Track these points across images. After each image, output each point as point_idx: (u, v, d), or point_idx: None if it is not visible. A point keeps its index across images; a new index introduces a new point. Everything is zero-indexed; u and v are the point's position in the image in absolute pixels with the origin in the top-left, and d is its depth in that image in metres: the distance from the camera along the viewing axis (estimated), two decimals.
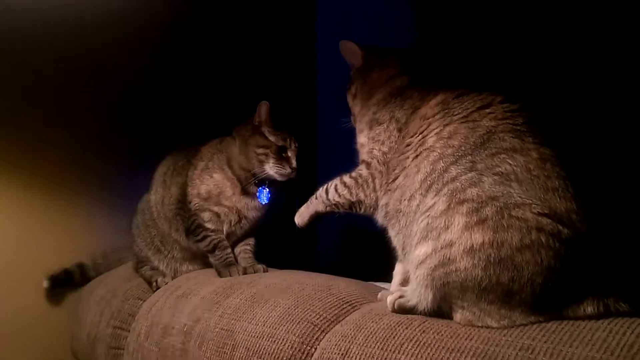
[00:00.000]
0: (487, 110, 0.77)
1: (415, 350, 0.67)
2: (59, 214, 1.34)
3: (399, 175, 0.82)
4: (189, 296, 1.01)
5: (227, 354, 0.85)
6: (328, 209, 0.93)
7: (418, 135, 0.81)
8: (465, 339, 0.66)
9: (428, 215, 0.72)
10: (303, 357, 0.79)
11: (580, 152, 0.80)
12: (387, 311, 0.78)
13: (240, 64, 1.64)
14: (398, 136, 0.86)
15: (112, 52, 1.40)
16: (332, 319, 0.83)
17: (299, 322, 0.82)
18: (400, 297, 0.77)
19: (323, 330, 0.81)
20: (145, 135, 1.44)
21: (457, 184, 0.71)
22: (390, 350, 0.69)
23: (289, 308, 0.86)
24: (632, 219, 1.03)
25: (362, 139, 0.92)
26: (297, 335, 0.81)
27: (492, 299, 0.66)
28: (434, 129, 0.79)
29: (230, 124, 1.22)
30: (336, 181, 0.92)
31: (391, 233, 0.84)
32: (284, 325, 0.82)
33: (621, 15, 1.15)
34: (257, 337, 0.83)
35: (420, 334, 0.70)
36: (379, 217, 0.87)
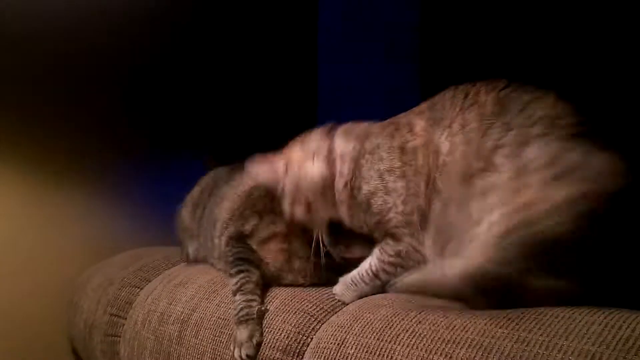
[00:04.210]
0: (475, 91, 0.74)
1: (411, 341, 0.68)
2: (70, 213, 1.34)
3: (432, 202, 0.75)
4: (186, 285, 1.01)
5: (223, 343, 0.85)
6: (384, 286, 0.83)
7: (427, 159, 0.76)
8: (461, 330, 0.66)
9: (485, 193, 0.67)
10: (299, 347, 0.79)
11: None
12: (384, 302, 0.78)
13: (242, 59, 1.63)
14: (404, 183, 0.78)
15: (119, 54, 1.39)
16: (328, 310, 0.83)
17: (295, 312, 0.83)
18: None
19: (319, 321, 0.81)
20: (161, 134, 1.43)
21: (507, 149, 0.67)
22: (386, 341, 0.69)
23: (285, 298, 0.86)
24: None
25: (367, 221, 0.82)
26: (293, 325, 0.81)
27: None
28: (440, 138, 0.75)
29: (236, 121, 1.22)
30: (378, 264, 0.82)
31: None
32: (280, 316, 0.82)
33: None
34: None
35: (417, 325, 0.70)
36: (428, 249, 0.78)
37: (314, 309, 0.83)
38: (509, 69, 1.24)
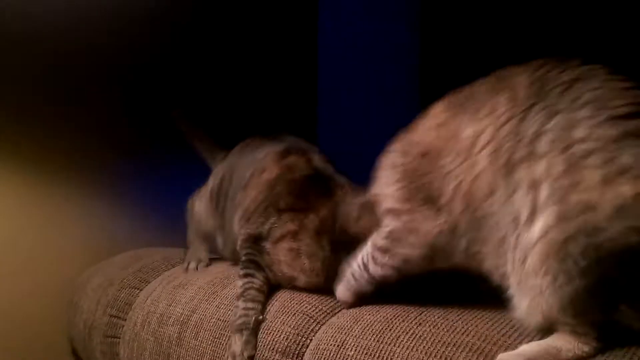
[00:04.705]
0: (506, 76, 0.65)
1: (410, 343, 0.67)
2: (70, 214, 1.34)
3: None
4: (185, 286, 1.01)
5: (223, 344, 0.85)
6: (373, 287, 0.76)
7: (454, 142, 0.66)
8: (462, 334, 0.66)
9: (527, 184, 0.58)
10: (298, 349, 0.78)
11: None
12: (384, 303, 0.77)
13: (243, 59, 1.63)
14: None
15: (119, 54, 1.39)
16: (327, 311, 0.83)
17: (294, 313, 0.82)
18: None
19: (319, 322, 0.81)
20: (162, 135, 1.43)
21: (550, 134, 0.58)
22: (386, 343, 0.69)
23: (284, 300, 0.85)
24: None
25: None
26: (292, 327, 0.80)
27: None
28: (463, 121, 0.65)
29: (236, 117, 1.22)
30: (370, 252, 0.74)
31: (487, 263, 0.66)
32: (279, 317, 0.82)
33: None
34: None
35: (417, 327, 0.69)
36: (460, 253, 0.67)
37: (313, 311, 0.82)
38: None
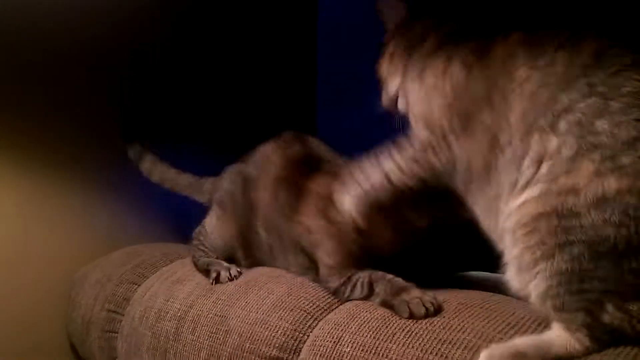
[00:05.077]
0: (579, 37, 0.63)
1: (406, 339, 0.67)
2: (69, 210, 1.34)
3: (480, 121, 0.66)
4: (183, 282, 1.01)
5: (219, 339, 0.85)
6: (391, 197, 0.74)
7: (499, 76, 0.65)
8: (458, 331, 0.66)
9: (533, 157, 0.60)
10: (295, 344, 0.79)
11: None
12: None
13: (239, 52, 1.63)
14: (464, 77, 0.68)
15: (116, 49, 1.38)
16: (325, 307, 0.83)
17: (292, 309, 0.82)
18: None
19: (316, 318, 0.81)
20: (160, 130, 1.43)
21: (578, 115, 0.58)
22: (382, 340, 0.69)
23: (282, 295, 0.85)
24: None
25: (412, 97, 0.75)
26: (289, 322, 0.81)
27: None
28: (521, 63, 0.64)
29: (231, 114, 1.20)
30: (395, 160, 0.72)
31: (475, 203, 0.69)
32: (277, 313, 0.82)
33: None
34: (250, 323, 0.83)
35: (412, 324, 0.70)
36: (459, 182, 0.70)
37: (310, 307, 0.83)
38: None
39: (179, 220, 1.21)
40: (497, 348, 0.60)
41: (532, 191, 0.59)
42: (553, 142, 0.59)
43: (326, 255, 0.84)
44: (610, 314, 0.55)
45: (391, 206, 0.76)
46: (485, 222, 0.69)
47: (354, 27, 1.70)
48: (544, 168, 0.59)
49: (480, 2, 0.87)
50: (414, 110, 0.75)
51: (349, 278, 0.81)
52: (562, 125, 0.59)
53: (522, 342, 0.60)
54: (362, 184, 0.76)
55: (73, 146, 1.34)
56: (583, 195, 0.55)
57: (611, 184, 0.54)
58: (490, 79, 0.66)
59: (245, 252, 1.03)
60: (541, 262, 0.57)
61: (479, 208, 0.69)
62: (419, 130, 0.73)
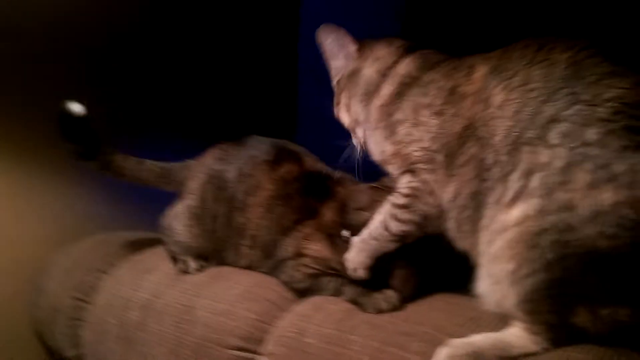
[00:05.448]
0: (549, 47, 0.64)
1: (368, 332, 0.69)
2: (38, 196, 1.31)
3: (463, 153, 0.67)
4: (151, 271, 1.00)
5: (185, 329, 0.85)
6: (395, 245, 0.73)
7: (475, 112, 0.66)
8: (418, 324, 0.67)
9: (523, 170, 0.59)
10: (260, 335, 0.79)
11: None
12: None
13: (218, 40, 1.61)
14: (438, 121, 0.70)
15: (88, 34, 1.35)
16: (291, 298, 0.84)
17: (258, 300, 0.83)
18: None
19: (282, 309, 0.82)
20: (133, 117, 1.40)
21: (566, 125, 0.58)
22: (344, 331, 0.70)
23: (249, 286, 0.86)
24: None
25: (386, 148, 0.76)
26: (255, 313, 0.81)
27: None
28: (494, 90, 0.65)
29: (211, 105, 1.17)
30: (389, 211, 0.73)
31: (466, 242, 0.68)
32: (243, 304, 0.83)
33: None
34: (216, 314, 0.83)
35: (375, 317, 0.71)
36: (451, 224, 0.70)
37: (277, 298, 0.83)
38: None
39: (150, 207, 1.19)
40: (456, 346, 0.61)
41: (529, 206, 0.58)
42: (544, 154, 0.59)
43: (316, 264, 0.83)
44: (581, 317, 0.56)
45: None
46: (462, 239, 0.68)
47: (336, 15, 1.69)
48: (536, 180, 0.58)
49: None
50: (391, 160, 0.76)
51: (320, 280, 0.82)
52: (553, 135, 0.59)
53: (480, 340, 0.61)
54: (365, 239, 0.75)
55: (42, 133, 1.31)
56: (580, 209, 0.55)
57: (607, 196, 0.54)
58: (466, 116, 0.67)
59: (218, 259, 0.98)
60: (537, 274, 0.57)
61: (454, 225, 0.69)
62: (401, 179, 0.74)
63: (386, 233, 0.73)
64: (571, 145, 0.57)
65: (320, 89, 1.76)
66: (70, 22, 1.32)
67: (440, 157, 0.69)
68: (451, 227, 0.70)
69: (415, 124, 0.72)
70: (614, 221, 0.53)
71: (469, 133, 0.67)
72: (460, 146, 0.67)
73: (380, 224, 0.73)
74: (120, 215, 1.41)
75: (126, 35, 1.44)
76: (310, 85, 1.75)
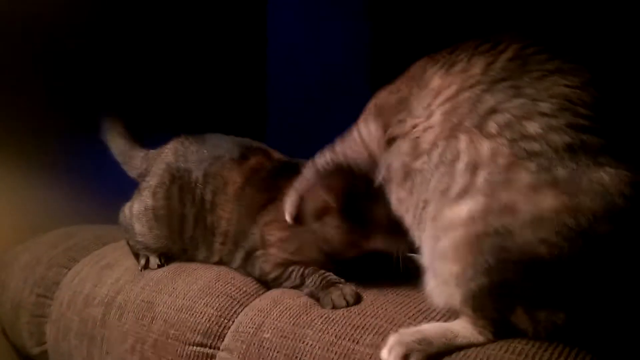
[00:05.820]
0: (498, 41, 0.63)
1: (323, 326, 0.70)
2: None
3: (396, 138, 0.68)
4: (112, 267, 1.00)
5: (145, 326, 0.85)
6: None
7: (415, 88, 0.67)
8: (372, 317, 0.69)
9: (467, 162, 0.58)
10: (220, 330, 0.80)
11: None
12: None
13: (186, 36, 1.58)
14: (387, 92, 0.73)
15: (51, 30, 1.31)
16: (251, 293, 0.84)
17: (219, 295, 0.83)
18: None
19: (242, 304, 0.82)
20: (96, 109, 1.36)
21: (507, 115, 0.57)
22: (300, 326, 0.71)
23: (209, 281, 0.86)
24: None
25: None
26: (215, 308, 0.81)
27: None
28: (434, 74, 0.65)
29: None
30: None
31: (400, 208, 0.69)
32: (203, 299, 0.83)
33: None
34: (176, 309, 0.83)
35: (331, 312, 0.72)
36: (383, 180, 0.71)
37: (237, 293, 0.84)
38: None
39: (114, 201, 1.17)
40: (405, 333, 0.62)
41: (474, 204, 0.57)
42: (485, 146, 0.57)
43: (281, 252, 0.83)
44: (519, 318, 0.58)
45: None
46: (414, 231, 0.68)
47: (303, 8, 1.67)
48: (481, 176, 0.57)
49: None
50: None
51: (287, 269, 0.82)
52: (491, 126, 0.57)
53: (429, 329, 0.63)
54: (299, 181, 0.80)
55: (4, 125, 1.27)
56: (521, 214, 0.54)
57: (548, 202, 0.53)
58: (409, 91, 0.68)
59: (186, 257, 0.97)
60: (478, 277, 0.57)
61: (409, 217, 0.68)
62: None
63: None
64: (510, 137, 0.56)
65: (289, 79, 1.74)
66: (32, 15, 1.27)
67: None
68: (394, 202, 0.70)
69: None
70: (553, 228, 0.53)
71: (404, 107, 0.68)
72: (398, 113, 0.69)
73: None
74: (82, 208, 1.38)
75: (88, 27, 1.40)
76: (280, 77, 1.74)
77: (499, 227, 0.55)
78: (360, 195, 0.75)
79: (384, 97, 0.74)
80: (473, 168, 0.58)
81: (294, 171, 0.83)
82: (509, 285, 0.57)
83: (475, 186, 0.58)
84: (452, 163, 0.60)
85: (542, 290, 0.56)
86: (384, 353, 0.61)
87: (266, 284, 0.86)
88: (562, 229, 0.53)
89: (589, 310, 0.56)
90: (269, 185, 0.88)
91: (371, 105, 0.77)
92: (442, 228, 0.60)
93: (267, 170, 0.91)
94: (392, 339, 0.62)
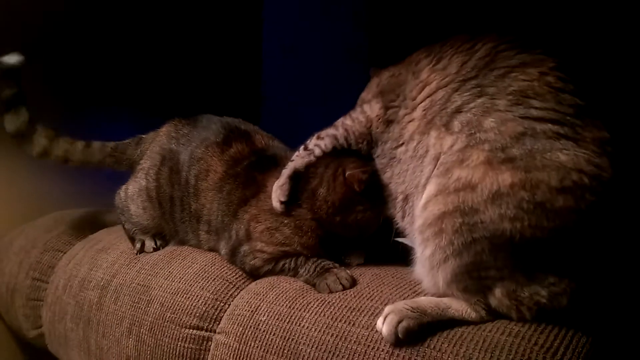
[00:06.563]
0: (479, 38, 0.67)
1: (320, 308, 0.70)
2: None
3: (392, 122, 0.73)
4: (108, 250, 0.99)
5: (141, 309, 0.85)
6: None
7: (410, 74, 0.73)
8: (367, 299, 0.69)
9: (433, 155, 0.64)
10: (216, 313, 0.80)
11: None
12: None
13: (182, 20, 1.55)
14: (389, 74, 0.78)
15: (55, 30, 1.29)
16: (247, 277, 0.84)
17: (214, 279, 0.83)
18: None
19: (238, 287, 0.82)
20: (89, 95, 1.34)
21: (469, 115, 0.61)
22: (297, 309, 0.71)
23: (205, 265, 0.86)
24: None
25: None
26: (211, 292, 0.81)
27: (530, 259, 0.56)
28: (425, 66, 0.70)
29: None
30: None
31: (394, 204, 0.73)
32: (199, 282, 0.83)
33: None
34: (172, 293, 0.83)
35: (327, 295, 0.72)
36: (377, 159, 0.76)
37: (233, 276, 0.84)
38: None
39: (108, 185, 1.16)
40: (400, 303, 0.63)
41: (430, 188, 0.61)
42: (448, 140, 0.62)
43: (269, 245, 0.82)
44: (498, 299, 0.59)
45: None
46: (401, 220, 0.72)
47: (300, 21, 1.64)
48: (440, 164, 0.62)
49: None
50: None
51: (277, 263, 0.81)
52: (456, 125, 0.62)
53: (423, 300, 0.64)
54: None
55: None
56: (479, 190, 0.56)
57: (505, 178, 0.55)
58: (406, 77, 0.74)
59: (179, 240, 0.97)
60: (450, 259, 0.59)
61: (397, 207, 0.72)
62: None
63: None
64: (470, 132, 0.60)
65: (285, 63, 1.73)
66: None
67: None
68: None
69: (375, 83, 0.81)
70: (512, 203, 0.55)
71: (401, 91, 0.73)
72: (396, 97, 0.74)
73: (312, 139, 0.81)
74: (77, 192, 1.37)
75: (88, 19, 1.38)
76: (275, 60, 1.72)
77: (461, 205, 0.57)
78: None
79: (386, 78, 0.78)
80: (436, 159, 0.63)
81: (272, 164, 0.86)
82: (481, 265, 0.58)
83: (434, 172, 0.62)
84: (421, 157, 0.66)
85: (517, 268, 0.57)
86: (379, 322, 0.62)
87: (258, 278, 0.84)
88: (520, 202, 0.55)
89: (566, 288, 0.56)
90: (248, 180, 0.87)
91: (373, 85, 0.80)
92: (416, 216, 0.64)
93: (246, 163, 0.89)
94: (387, 309, 0.63)
